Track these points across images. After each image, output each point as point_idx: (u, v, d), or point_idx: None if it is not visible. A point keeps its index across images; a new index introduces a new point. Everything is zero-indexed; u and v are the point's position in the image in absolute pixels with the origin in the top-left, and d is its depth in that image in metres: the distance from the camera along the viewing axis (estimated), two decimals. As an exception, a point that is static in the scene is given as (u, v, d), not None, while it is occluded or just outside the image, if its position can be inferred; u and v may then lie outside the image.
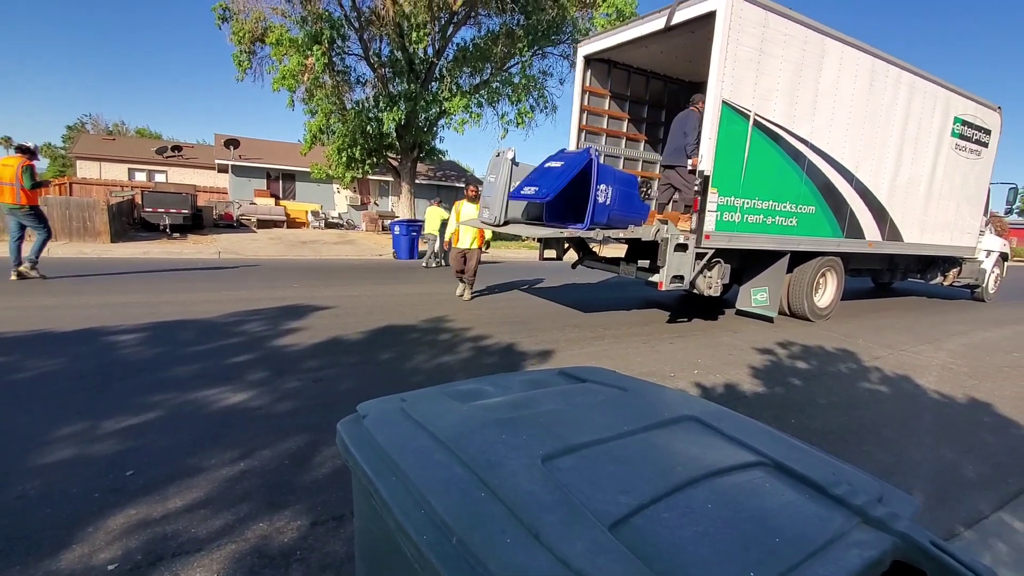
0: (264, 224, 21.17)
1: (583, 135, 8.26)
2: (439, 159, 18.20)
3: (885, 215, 8.53)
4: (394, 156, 17.59)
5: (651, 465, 1.06)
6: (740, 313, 7.98)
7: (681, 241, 6.15)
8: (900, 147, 8.42)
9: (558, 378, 1.63)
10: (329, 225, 23.49)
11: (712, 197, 6.24)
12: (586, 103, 8.20)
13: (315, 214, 23.21)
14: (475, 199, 7.27)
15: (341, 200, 24.64)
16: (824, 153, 7.37)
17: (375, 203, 24.75)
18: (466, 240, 7.77)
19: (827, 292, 8.41)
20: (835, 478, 1.07)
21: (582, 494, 0.96)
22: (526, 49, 14.84)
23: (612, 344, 5.78)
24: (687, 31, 6.62)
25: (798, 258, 7.74)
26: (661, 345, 5.86)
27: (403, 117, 14.81)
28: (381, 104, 15.09)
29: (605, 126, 8.58)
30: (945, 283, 11.32)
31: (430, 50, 15.56)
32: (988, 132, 10.06)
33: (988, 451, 3.71)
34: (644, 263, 6.98)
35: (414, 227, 14.71)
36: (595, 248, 8.11)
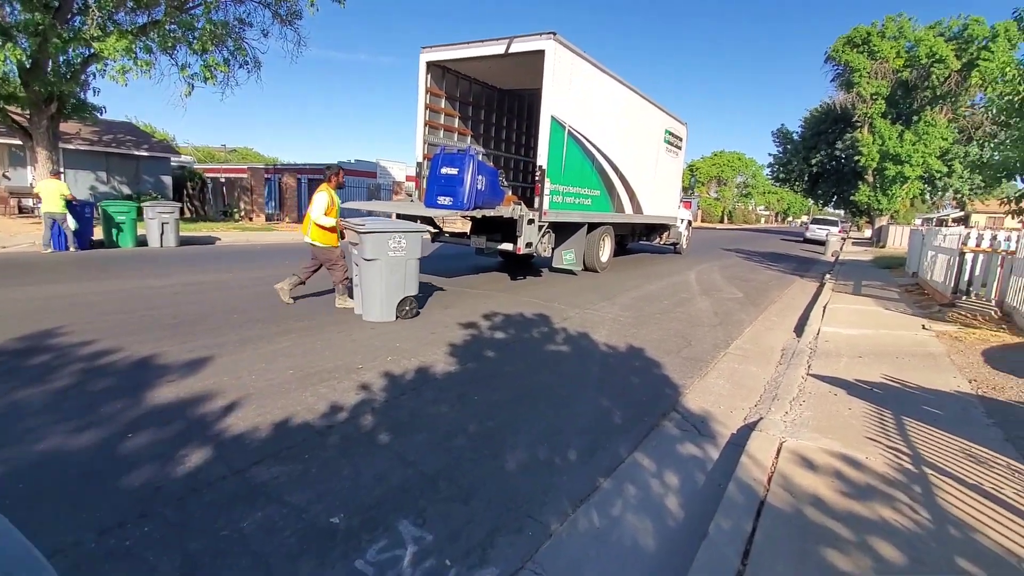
0: None
1: (427, 129, 9.70)
2: (94, 117, 13.85)
3: (635, 196, 12.04)
4: (19, 111, 12.79)
5: None
6: (554, 270, 10.46)
7: (530, 217, 8.26)
8: (641, 149, 12.02)
9: None
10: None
11: (547, 184, 8.46)
12: (428, 102, 9.63)
13: None
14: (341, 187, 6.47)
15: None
16: (604, 152, 10.26)
17: (4, 176, 17.63)
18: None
19: (606, 251, 11.51)
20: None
21: None
22: (212, -12, 12.22)
23: (301, 337, 4.97)
24: (518, 57, 8.55)
25: (591, 228, 10.42)
26: (360, 332, 5.30)
27: (27, 58, 10.71)
28: (-13, 37, 10.61)
29: (442, 122, 10.15)
30: (660, 243, 15.82)
31: (66, -30, 11.55)
32: (681, 139, 14.73)
33: (633, 394, 4.20)
34: (495, 236, 8.92)
35: (74, 207, 10.89)
36: (440, 225, 9.41)
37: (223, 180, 21.76)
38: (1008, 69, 8.49)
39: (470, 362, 4.61)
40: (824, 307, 8.08)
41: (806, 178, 34.96)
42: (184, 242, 12.36)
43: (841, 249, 22.77)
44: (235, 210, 20.31)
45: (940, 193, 31.09)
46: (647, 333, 6.13)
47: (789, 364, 5.18)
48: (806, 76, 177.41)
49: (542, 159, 8.32)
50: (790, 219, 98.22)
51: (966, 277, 8.20)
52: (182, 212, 18.19)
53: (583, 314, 6.91)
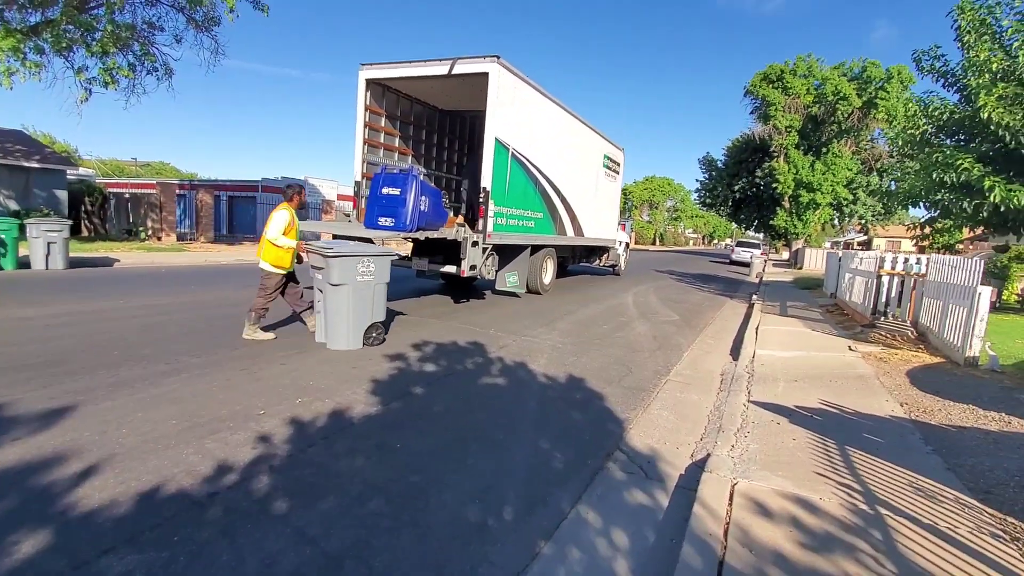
0: None
1: (366, 148, 9.42)
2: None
3: (576, 219, 12.08)
4: None
5: None
6: (496, 292, 10.19)
7: (474, 239, 8.03)
8: (581, 173, 12.18)
9: None
10: None
11: (492, 207, 8.33)
12: (367, 120, 9.34)
13: None
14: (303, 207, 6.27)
15: None
16: (546, 175, 10.25)
17: None
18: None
19: (549, 273, 11.48)
20: None
21: None
22: (116, -12, 11.13)
23: (193, 377, 4.28)
24: (461, 79, 8.46)
25: (534, 250, 10.36)
26: (268, 369, 4.67)
27: None
28: None
29: (382, 141, 9.87)
30: (599, 264, 16.13)
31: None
32: (619, 164, 15.12)
33: (575, 432, 3.85)
34: (437, 258, 8.78)
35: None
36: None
37: (127, 196, 19.82)
38: (910, 105, 9.19)
39: (394, 402, 4.11)
40: (756, 329, 8.20)
41: (730, 203, 37.01)
42: (75, 264, 10.97)
43: (764, 270, 23.99)
44: (141, 229, 18.52)
45: (847, 219, 33.78)
46: (587, 361, 5.87)
47: (729, 391, 5.06)
48: (730, 106, 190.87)
49: (486, 181, 8.21)
50: (716, 241, 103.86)
51: (883, 299, 8.62)
52: (77, 230, 16.36)
53: (521, 341, 6.57)
